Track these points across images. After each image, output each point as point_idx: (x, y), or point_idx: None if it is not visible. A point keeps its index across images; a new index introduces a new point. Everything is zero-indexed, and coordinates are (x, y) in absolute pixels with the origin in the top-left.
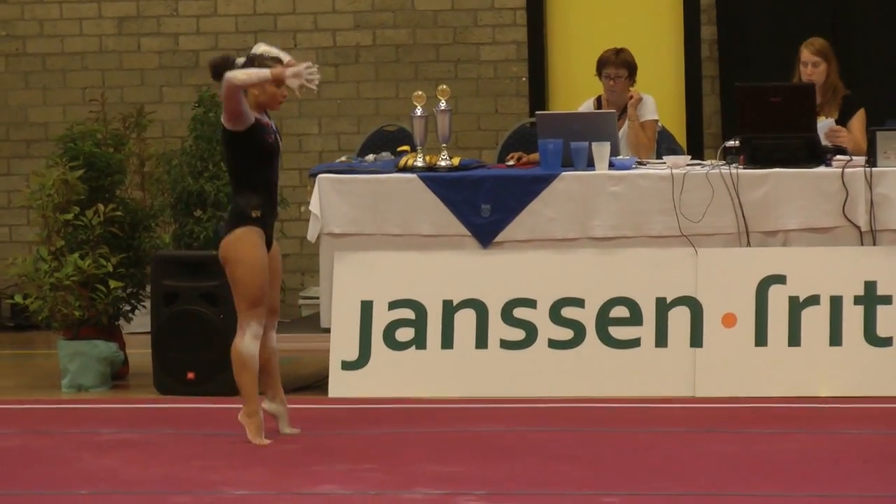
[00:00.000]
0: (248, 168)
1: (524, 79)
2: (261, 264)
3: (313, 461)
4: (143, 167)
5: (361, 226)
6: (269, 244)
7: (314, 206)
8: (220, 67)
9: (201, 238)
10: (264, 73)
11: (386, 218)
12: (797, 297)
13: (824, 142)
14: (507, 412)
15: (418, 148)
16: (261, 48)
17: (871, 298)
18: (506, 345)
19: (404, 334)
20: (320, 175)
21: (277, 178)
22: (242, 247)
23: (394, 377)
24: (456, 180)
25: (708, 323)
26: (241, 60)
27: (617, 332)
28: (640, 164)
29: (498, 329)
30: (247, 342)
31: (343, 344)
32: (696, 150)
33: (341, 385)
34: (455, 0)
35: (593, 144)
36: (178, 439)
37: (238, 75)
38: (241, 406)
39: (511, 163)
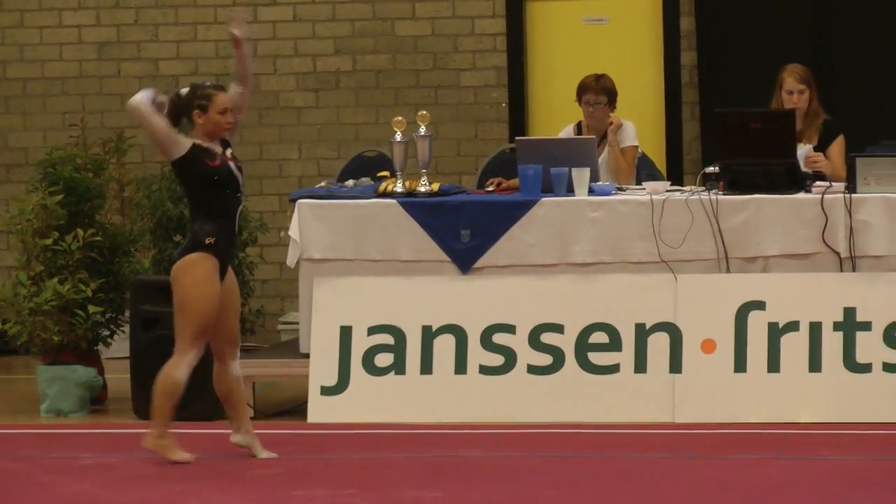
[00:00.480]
0: (199, 195)
1: (504, 104)
2: (211, 296)
3: (293, 486)
4: (122, 192)
5: (341, 251)
6: (223, 272)
7: (293, 231)
8: (175, 108)
9: None
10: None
11: (365, 243)
12: (776, 324)
13: (804, 168)
14: (486, 437)
15: (398, 173)
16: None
17: (850, 324)
18: (485, 370)
19: (384, 360)
20: (300, 200)
21: (237, 205)
22: (195, 274)
23: (373, 402)
24: (436, 206)
25: (687, 349)
26: (184, 90)
27: (596, 358)
28: (620, 189)
29: (477, 354)
30: (182, 370)
31: (322, 369)
32: (676, 176)
33: (321, 410)
34: (435, 26)
35: (573, 170)
36: (157, 464)
37: (135, 97)
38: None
39: (491, 188)
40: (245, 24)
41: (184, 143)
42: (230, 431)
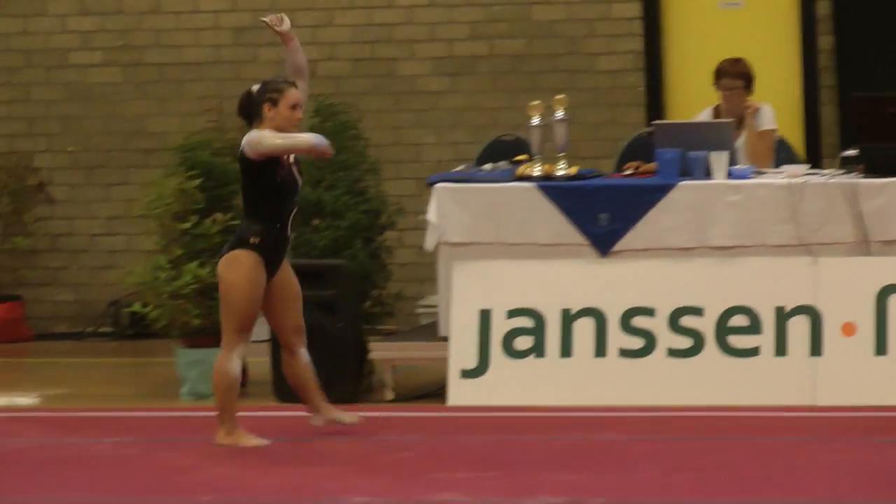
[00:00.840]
0: (256, 196)
1: (641, 88)
2: (254, 291)
3: (433, 469)
4: None
5: (479, 235)
6: (273, 272)
7: (432, 215)
8: (247, 106)
9: (319, 247)
10: (303, 140)
11: (504, 227)
12: None
13: None
14: (626, 421)
15: (535, 157)
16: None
17: None
18: (625, 353)
19: (523, 343)
20: (438, 184)
21: (291, 209)
22: (238, 270)
23: (513, 385)
24: (574, 189)
25: (828, 332)
26: (255, 87)
27: (736, 341)
28: (758, 173)
29: (617, 338)
30: (234, 363)
31: (462, 352)
32: (814, 160)
33: (460, 393)
34: (571, 10)
35: (711, 154)
36: (297, 447)
37: (276, 142)
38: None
39: (628, 172)
40: (284, 19)
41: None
42: (311, 415)
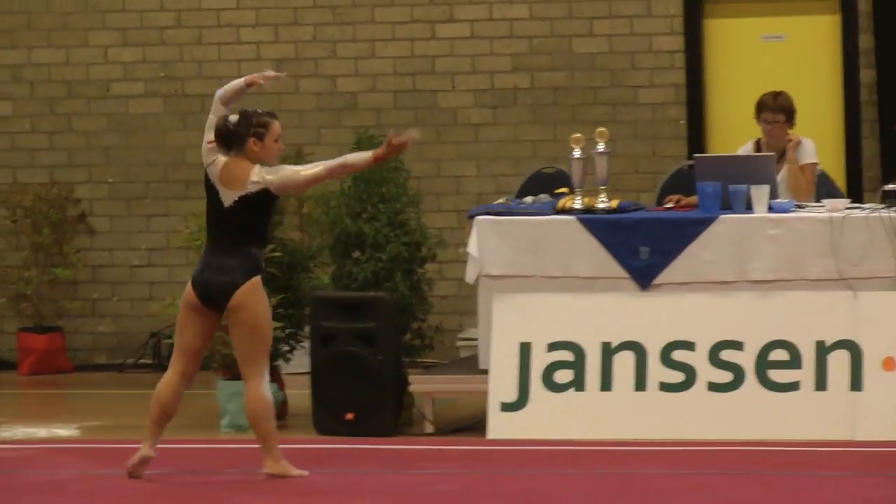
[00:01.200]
0: (263, 224)
1: (682, 121)
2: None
3: (473, 502)
4: (301, 208)
5: (520, 267)
6: None
7: (472, 247)
8: (227, 135)
9: (359, 279)
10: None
11: (544, 259)
12: None
13: None
14: (666, 455)
15: (576, 190)
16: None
17: None
18: (665, 387)
19: (563, 376)
20: (479, 216)
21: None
22: (263, 296)
23: (553, 419)
24: (614, 222)
25: (868, 367)
26: (233, 118)
27: (776, 376)
28: (799, 207)
29: (657, 371)
30: (268, 389)
31: (502, 385)
32: (856, 194)
33: (500, 426)
34: (613, 43)
35: (752, 187)
36: (335, 479)
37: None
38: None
39: (669, 205)
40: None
41: None
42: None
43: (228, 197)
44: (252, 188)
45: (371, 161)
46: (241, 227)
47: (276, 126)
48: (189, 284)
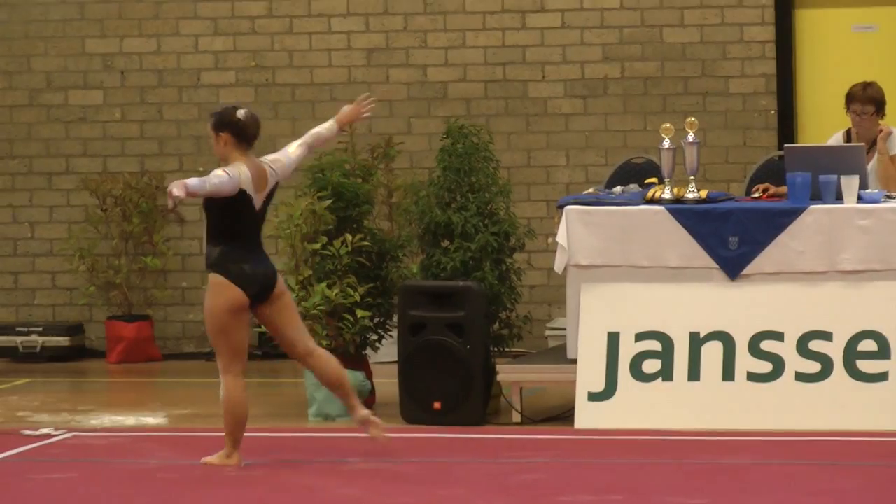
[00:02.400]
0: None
1: (773, 111)
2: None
3: (559, 491)
4: (390, 198)
5: (608, 257)
6: None
7: (561, 237)
8: (256, 128)
9: (448, 269)
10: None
11: (633, 249)
12: None
13: None
14: (753, 445)
15: (666, 180)
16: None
17: None
18: (753, 377)
19: (651, 366)
20: (568, 206)
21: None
22: None
23: (640, 408)
24: (704, 212)
25: None
26: (242, 112)
27: (865, 366)
28: (889, 197)
29: (745, 361)
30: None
31: (590, 375)
32: None
33: (588, 416)
34: (704, 33)
35: (842, 178)
36: (423, 468)
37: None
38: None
39: (757, 195)
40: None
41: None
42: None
43: (259, 200)
44: (271, 183)
45: (336, 128)
46: (258, 226)
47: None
48: (231, 288)
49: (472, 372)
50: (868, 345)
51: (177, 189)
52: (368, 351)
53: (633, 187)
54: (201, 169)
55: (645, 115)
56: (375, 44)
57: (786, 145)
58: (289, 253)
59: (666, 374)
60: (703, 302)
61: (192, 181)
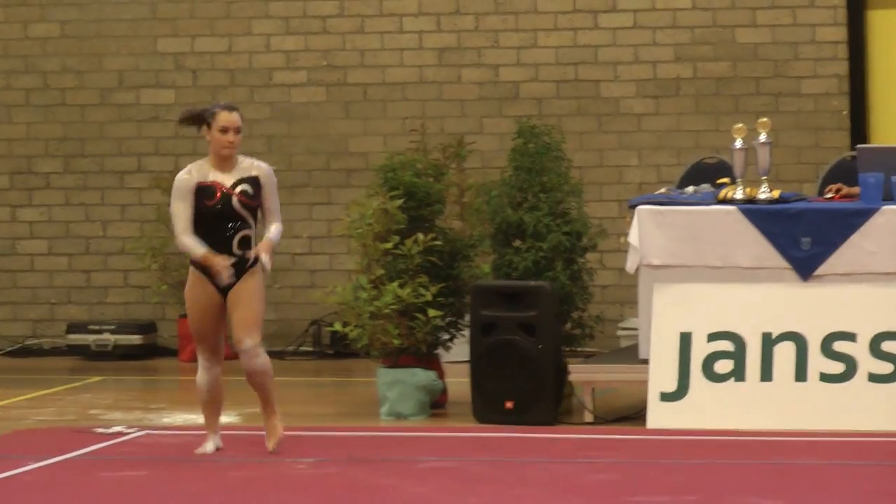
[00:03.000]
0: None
1: (845, 112)
2: (193, 306)
3: (631, 492)
4: (462, 197)
5: (680, 257)
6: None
7: (633, 237)
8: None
9: (520, 268)
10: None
11: (705, 249)
12: None
13: None
14: (826, 445)
15: (738, 180)
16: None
17: None
18: (825, 378)
19: (723, 366)
20: (640, 206)
21: (228, 233)
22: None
23: (712, 409)
24: (776, 213)
25: None
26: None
27: None
28: None
29: (817, 362)
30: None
31: (662, 375)
32: None
33: (660, 416)
34: (776, 33)
35: None
36: (495, 468)
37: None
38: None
39: (831, 196)
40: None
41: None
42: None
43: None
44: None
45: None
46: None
47: (222, 115)
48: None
49: (543, 372)
50: None
51: (267, 256)
52: (440, 350)
53: (706, 187)
54: (273, 168)
55: (717, 115)
56: (447, 43)
57: (858, 146)
58: (361, 252)
59: (738, 374)
60: (775, 302)
61: (274, 239)
